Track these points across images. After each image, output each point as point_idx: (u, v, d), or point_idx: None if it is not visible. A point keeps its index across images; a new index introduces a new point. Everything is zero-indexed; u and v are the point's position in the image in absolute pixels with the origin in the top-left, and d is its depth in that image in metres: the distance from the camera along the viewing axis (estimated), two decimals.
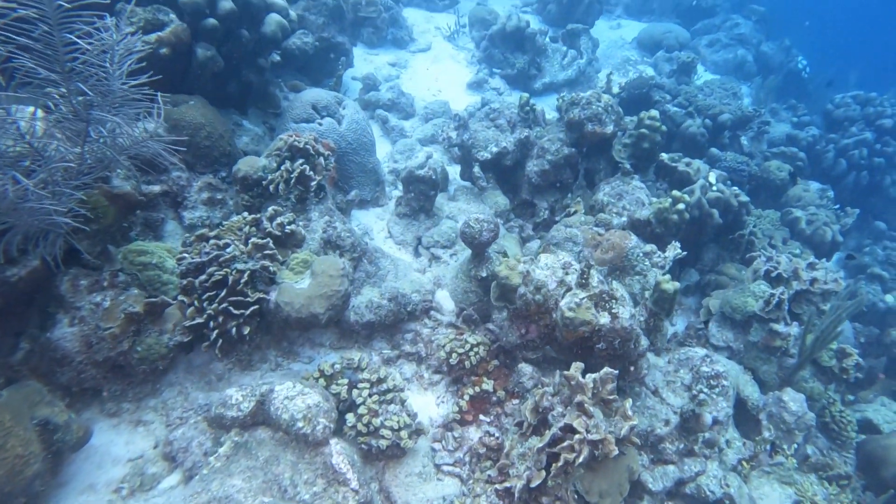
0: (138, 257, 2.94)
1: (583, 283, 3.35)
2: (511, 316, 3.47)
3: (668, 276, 3.51)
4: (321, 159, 3.74)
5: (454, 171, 5.59)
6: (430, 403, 3.49)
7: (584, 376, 2.97)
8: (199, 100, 3.90)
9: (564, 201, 5.07)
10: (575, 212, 4.88)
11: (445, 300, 4.07)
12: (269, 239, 3.20)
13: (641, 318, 3.67)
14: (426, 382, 3.59)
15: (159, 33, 3.64)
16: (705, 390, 3.49)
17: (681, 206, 4.27)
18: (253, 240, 3.18)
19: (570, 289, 3.38)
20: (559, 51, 8.01)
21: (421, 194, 4.52)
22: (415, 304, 3.70)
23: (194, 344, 3.07)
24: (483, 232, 3.73)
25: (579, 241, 4.21)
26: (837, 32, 19.77)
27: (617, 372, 3.03)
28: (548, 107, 7.59)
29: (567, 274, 3.45)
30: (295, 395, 2.60)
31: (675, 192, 4.35)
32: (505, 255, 4.31)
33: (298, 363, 3.45)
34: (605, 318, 3.18)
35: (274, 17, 4.32)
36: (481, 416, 3.38)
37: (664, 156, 5.21)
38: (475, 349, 3.48)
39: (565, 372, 3.02)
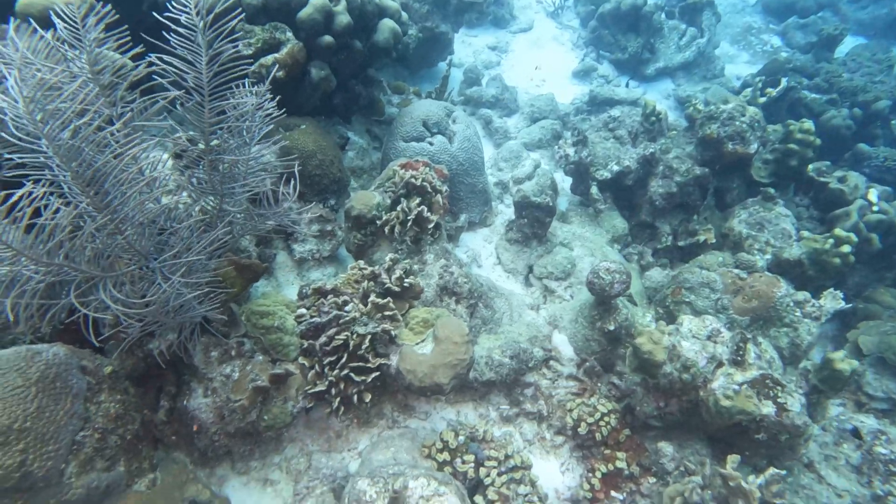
0: (261, 320, 2.78)
1: (738, 361, 2.94)
2: (649, 387, 3.12)
3: (842, 354, 3.04)
4: (438, 197, 3.43)
5: (560, 177, 5.15)
6: (553, 470, 3.23)
7: (741, 472, 2.61)
8: (310, 124, 3.65)
9: (690, 225, 4.55)
10: (705, 240, 4.38)
11: (563, 345, 3.75)
12: (389, 298, 2.96)
13: (800, 391, 3.23)
14: (548, 444, 3.33)
15: (276, 55, 3.38)
16: (886, 486, 3.04)
17: (846, 248, 3.70)
18: (372, 298, 2.95)
19: (721, 364, 2.98)
20: (676, 29, 7.18)
21: (535, 221, 4.15)
22: (537, 360, 3.41)
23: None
24: (615, 284, 3.36)
25: (717, 288, 3.75)
26: None
27: (784, 473, 2.66)
28: (658, 94, 6.92)
29: (716, 344, 3.05)
30: (431, 495, 2.40)
31: (839, 232, 3.78)
32: (630, 298, 3.92)
33: (415, 419, 3.26)
34: (768, 409, 2.79)
35: (387, 24, 3.95)
36: (613, 493, 3.10)
37: (810, 167, 4.56)
38: (606, 418, 3.17)
39: (722, 471, 2.68)
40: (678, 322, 3.14)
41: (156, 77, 2.16)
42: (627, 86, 6.57)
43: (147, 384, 2.63)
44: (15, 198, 1.70)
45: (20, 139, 1.74)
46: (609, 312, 3.51)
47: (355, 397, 2.86)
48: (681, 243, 4.53)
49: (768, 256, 4.01)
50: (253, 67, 3.35)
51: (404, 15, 4.20)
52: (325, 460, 2.99)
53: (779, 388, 2.82)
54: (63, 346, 2.14)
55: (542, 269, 4.16)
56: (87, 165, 1.85)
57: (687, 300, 3.73)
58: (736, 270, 3.85)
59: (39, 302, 1.98)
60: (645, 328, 3.11)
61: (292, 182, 2.49)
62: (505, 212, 4.75)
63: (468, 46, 6.55)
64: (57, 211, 1.81)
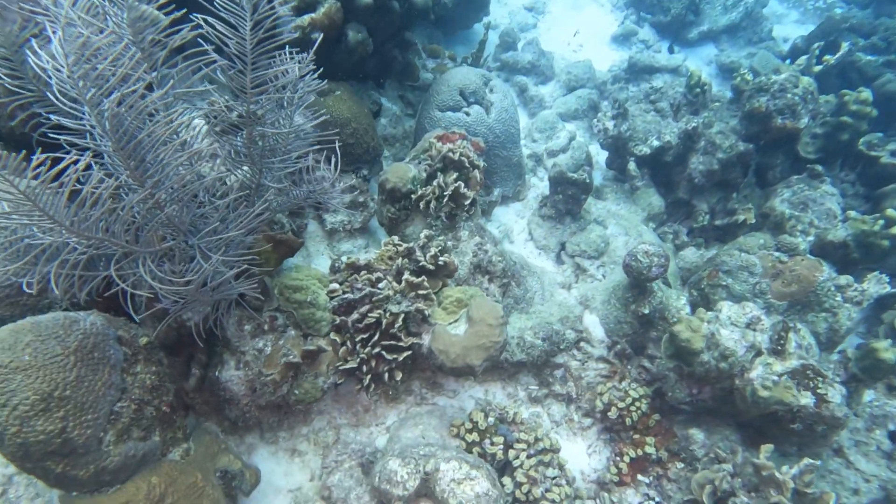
0: (294, 294, 2.77)
1: (778, 351, 2.87)
2: (683, 373, 3.07)
3: (887, 343, 2.95)
4: (476, 172, 3.34)
5: (595, 149, 5.00)
6: (580, 452, 3.24)
7: (774, 464, 2.58)
8: (344, 89, 3.55)
9: (729, 204, 4.41)
10: (744, 220, 4.24)
11: (595, 326, 3.70)
12: (423, 277, 2.92)
13: (838, 378, 3.16)
14: (576, 426, 3.33)
15: (312, 15, 3.26)
16: None
17: None
18: (406, 276, 2.92)
19: (760, 353, 2.91)
20: None
21: (570, 197, 4.04)
22: (568, 342, 3.37)
23: None
24: (652, 268, 3.28)
25: (757, 272, 3.63)
26: None
27: (819, 463, 2.62)
28: (700, 60, 6.62)
29: (755, 332, 2.97)
30: (462, 478, 2.41)
31: (891, 212, 3.61)
32: (665, 279, 3.83)
33: (443, 396, 3.27)
34: (807, 399, 2.73)
35: None
36: (639, 476, 3.10)
37: (861, 140, 4.34)
38: (637, 404, 3.15)
39: (755, 460, 2.65)
40: (717, 308, 3.06)
41: (200, 42, 2.09)
42: (672, 51, 6.28)
43: (179, 353, 2.66)
44: (60, 167, 1.66)
45: (63, 104, 1.70)
46: (644, 296, 3.44)
47: (386, 375, 2.86)
48: (718, 222, 4.39)
49: (811, 238, 3.87)
50: (290, 26, 3.24)
51: None
52: (354, 434, 3.02)
53: (819, 378, 2.75)
54: (100, 315, 2.15)
55: (575, 246, 4.08)
56: (130, 137, 1.81)
57: (724, 283, 3.64)
58: (777, 253, 3.72)
59: (79, 273, 1.97)
60: (683, 315, 3.04)
61: (333, 158, 2.43)
62: (538, 185, 4.64)
63: (504, 6, 6.30)
64: (101, 181, 1.78)
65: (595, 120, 4.57)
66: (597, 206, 4.32)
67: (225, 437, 2.83)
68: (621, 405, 3.13)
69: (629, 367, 3.51)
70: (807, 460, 2.60)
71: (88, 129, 1.84)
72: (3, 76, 2.08)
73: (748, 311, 3.04)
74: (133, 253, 2.04)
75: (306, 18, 3.20)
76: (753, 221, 4.20)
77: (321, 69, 2.34)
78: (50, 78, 1.68)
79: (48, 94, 1.79)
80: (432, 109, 3.91)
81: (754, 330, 2.98)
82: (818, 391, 2.73)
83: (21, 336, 1.85)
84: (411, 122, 4.44)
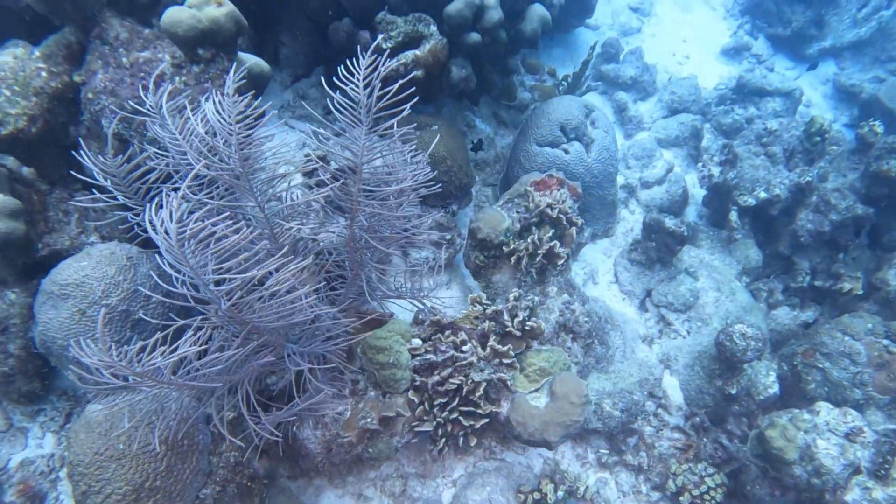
0: (377, 355, 2.74)
1: (881, 475, 2.68)
2: (768, 473, 2.92)
3: None
4: (573, 230, 3.18)
5: (692, 179, 4.69)
6: None
7: None
8: (443, 125, 3.40)
9: (834, 267, 4.07)
10: (850, 290, 3.93)
11: (673, 389, 3.56)
12: (509, 346, 2.84)
13: None
14: (643, 499, 3.26)
15: (416, 52, 3.09)
16: None
17: None
18: (491, 343, 2.84)
19: (859, 471, 2.73)
20: None
21: (664, 246, 3.82)
22: (647, 414, 3.26)
23: None
24: (748, 352, 3.11)
25: (861, 361, 3.37)
26: None
27: None
28: (814, 79, 6.04)
29: (853, 444, 2.78)
30: None
31: None
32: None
33: (512, 452, 3.25)
34: None
35: (537, 11, 3.52)
36: None
37: None
38: (711, 493, 3.04)
39: None
40: (814, 410, 2.87)
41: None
42: (814, 67, 5.74)
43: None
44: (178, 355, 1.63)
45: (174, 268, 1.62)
46: (733, 374, 3.27)
47: (461, 439, 2.84)
48: (818, 283, 4.08)
49: None
50: (392, 64, 3.09)
51: None
52: (420, 488, 3.04)
53: None
54: (191, 397, 2.17)
55: (662, 297, 3.89)
56: (246, 309, 1.76)
57: (820, 366, 3.40)
58: (886, 341, 3.43)
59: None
60: (779, 421, 2.86)
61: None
62: (628, 218, 4.41)
63: (608, 4, 5.85)
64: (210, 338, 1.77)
65: (700, 164, 4.27)
66: (689, 254, 4.08)
67: (294, 479, 2.90)
68: (695, 492, 3.03)
69: (705, 440, 3.38)
70: None
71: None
72: None
73: (850, 419, 2.84)
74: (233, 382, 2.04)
75: (410, 55, 3.03)
76: (860, 293, 3.88)
77: (416, 98, 2.23)
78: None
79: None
80: (530, 143, 3.71)
81: (854, 442, 2.79)
82: None
83: (116, 422, 1.88)
84: (504, 142, 4.25)
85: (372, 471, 3.06)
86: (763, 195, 3.96)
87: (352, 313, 2.52)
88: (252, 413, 2.04)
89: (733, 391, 3.21)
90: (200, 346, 1.71)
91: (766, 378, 3.45)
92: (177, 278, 1.60)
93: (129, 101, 2.05)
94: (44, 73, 1.98)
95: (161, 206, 1.48)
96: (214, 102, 1.87)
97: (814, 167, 4.03)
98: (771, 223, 4.16)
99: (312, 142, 3.82)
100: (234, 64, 2.23)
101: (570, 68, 5.04)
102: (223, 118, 1.85)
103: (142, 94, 2.00)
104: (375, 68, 1.91)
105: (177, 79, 2.04)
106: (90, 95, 1.99)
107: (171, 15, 2.00)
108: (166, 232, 1.44)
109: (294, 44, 3.76)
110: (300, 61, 3.77)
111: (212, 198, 2.03)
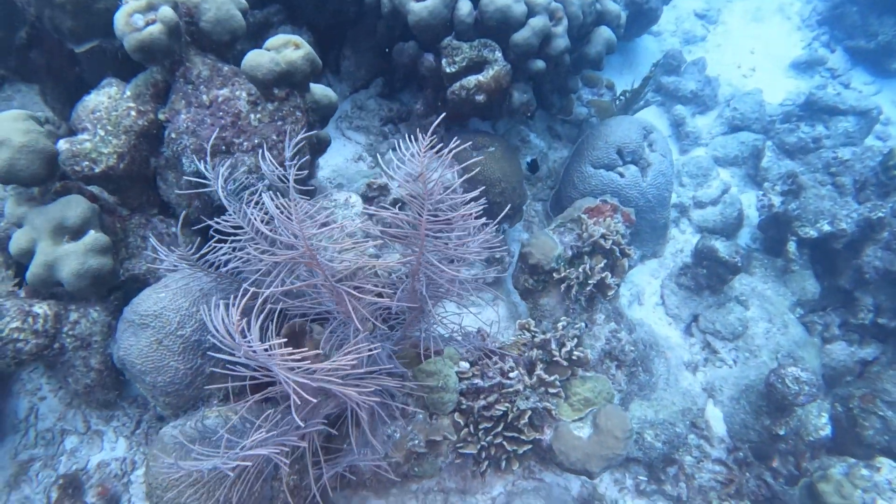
0: (427, 379, 2.83)
1: None
2: None
3: None
4: (625, 261, 3.17)
5: (748, 199, 4.57)
6: None
7: None
8: (499, 146, 3.42)
9: None
10: None
11: (716, 421, 3.54)
12: (555, 376, 2.88)
13: None
14: None
15: (479, 77, 3.11)
16: None
17: None
18: (538, 372, 2.89)
19: None
20: None
21: (715, 275, 3.76)
22: (688, 447, 3.26)
23: None
24: (801, 396, 3.06)
25: None
26: None
27: None
28: (894, 95, 5.73)
29: None
30: None
31: None
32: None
33: (550, 472, 3.30)
34: None
35: (603, 34, 3.47)
36: None
37: None
38: None
39: None
40: (874, 466, 2.82)
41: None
42: None
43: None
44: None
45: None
46: (782, 415, 3.22)
47: (504, 462, 2.91)
48: (882, 320, 3.94)
49: None
50: (454, 88, 3.12)
51: (623, 16, 3.65)
52: (460, 503, 3.14)
53: None
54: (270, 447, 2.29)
55: (709, 324, 3.85)
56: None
57: (881, 413, 3.31)
58: None
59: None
60: (834, 474, 2.82)
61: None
62: (678, 238, 4.35)
63: (672, 9, 5.67)
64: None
65: (761, 193, 4.15)
66: (741, 282, 4.00)
67: (341, 490, 3.04)
68: None
69: (748, 475, 3.36)
70: None
71: None
72: None
73: None
74: None
75: (472, 80, 3.05)
76: None
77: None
78: None
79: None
80: (585, 164, 3.69)
81: None
82: None
83: (183, 478, 2.00)
84: (557, 155, 4.23)
85: (414, 483, 3.17)
86: (827, 229, 3.83)
87: (407, 346, 2.60)
88: (314, 457, 2.16)
89: (781, 432, 3.17)
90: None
91: (818, 419, 3.39)
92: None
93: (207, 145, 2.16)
94: (133, 113, 2.11)
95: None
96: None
97: (889, 201, 3.86)
98: (833, 256, 4.03)
99: (367, 157, 3.91)
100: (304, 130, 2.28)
101: (629, 77, 4.95)
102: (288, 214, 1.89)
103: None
104: (433, 146, 1.91)
105: (252, 116, 2.13)
106: (173, 135, 2.11)
107: (252, 59, 2.10)
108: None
109: (355, 56, 3.82)
110: (361, 74, 3.84)
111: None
